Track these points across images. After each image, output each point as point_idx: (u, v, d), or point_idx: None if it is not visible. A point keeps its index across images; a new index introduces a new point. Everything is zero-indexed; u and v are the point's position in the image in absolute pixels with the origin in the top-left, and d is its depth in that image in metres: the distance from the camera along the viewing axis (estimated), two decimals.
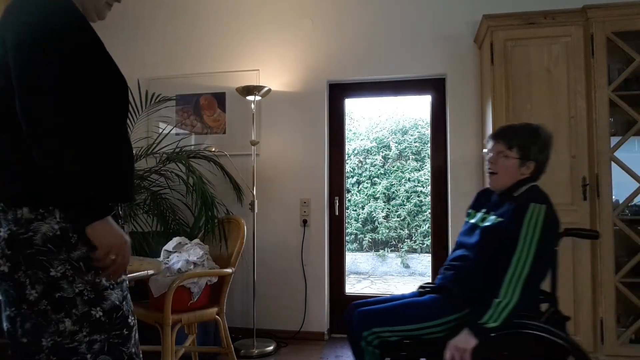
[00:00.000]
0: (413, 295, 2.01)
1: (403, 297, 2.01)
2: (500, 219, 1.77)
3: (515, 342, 1.67)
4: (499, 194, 1.88)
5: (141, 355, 1.16)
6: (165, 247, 2.66)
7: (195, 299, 2.46)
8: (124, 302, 1.11)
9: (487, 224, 1.83)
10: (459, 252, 1.94)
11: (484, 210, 1.92)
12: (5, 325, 1.01)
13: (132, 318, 1.15)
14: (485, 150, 1.96)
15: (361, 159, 6.57)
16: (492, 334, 1.59)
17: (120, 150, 1.12)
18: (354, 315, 1.84)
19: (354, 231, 6.82)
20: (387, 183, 6.69)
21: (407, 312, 1.80)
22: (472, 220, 1.95)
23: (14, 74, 0.96)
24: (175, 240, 2.70)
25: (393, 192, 6.71)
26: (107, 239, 1.02)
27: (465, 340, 1.59)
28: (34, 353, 0.98)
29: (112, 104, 1.12)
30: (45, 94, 0.96)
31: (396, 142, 6.51)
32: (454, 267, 1.90)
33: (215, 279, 2.57)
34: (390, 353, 1.75)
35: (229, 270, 2.56)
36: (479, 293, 1.72)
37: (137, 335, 1.16)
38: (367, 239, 6.85)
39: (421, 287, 2.03)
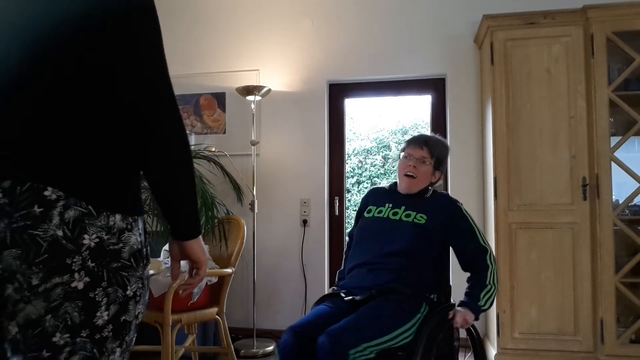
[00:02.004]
0: (338, 304, 1.85)
1: (337, 308, 1.83)
2: (424, 216, 1.94)
3: None
4: (405, 194, 2.04)
5: None
6: (165, 247, 2.66)
7: (195, 299, 2.46)
8: None
9: (417, 221, 1.94)
10: (384, 248, 1.91)
11: (390, 205, 2.02)
12: (27, 358, 0.78)
13: None
14: (403, 153, 2.10)
15: (361, 159, 6.57)
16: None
17: None
18: (321, 338, 1.60)
19: None
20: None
21: (380, 322, 1.71)
22: (380, 215, 2.01)
23: (150, 78, 0.91)
24: None
25: None
26: (204, 254, 1.02)
27: (470, 316, 1.80)
28: None
29: None
30: (176, 107, 0.94)
31: (396, 143, 6.51)
32: (388, 266, 1.86)
33: (215, 279, 2.57)
34: None
35: (229, 270, 2.56)
36: (429, 290, 1.91)
37: None
38: None
39: (344, 293, 1.89)
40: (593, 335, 2.61)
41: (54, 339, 0.78)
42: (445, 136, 3.34)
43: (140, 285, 0.88)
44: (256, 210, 3.29)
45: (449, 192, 3.26)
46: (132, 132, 0.89)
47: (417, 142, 2.07)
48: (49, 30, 0.86)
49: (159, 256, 2.66)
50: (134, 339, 0.90)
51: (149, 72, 0.91)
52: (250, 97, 3.27)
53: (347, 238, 2.28)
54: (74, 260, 0.78)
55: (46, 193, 0.78)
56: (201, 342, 2.86)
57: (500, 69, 2.78)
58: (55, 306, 0.78)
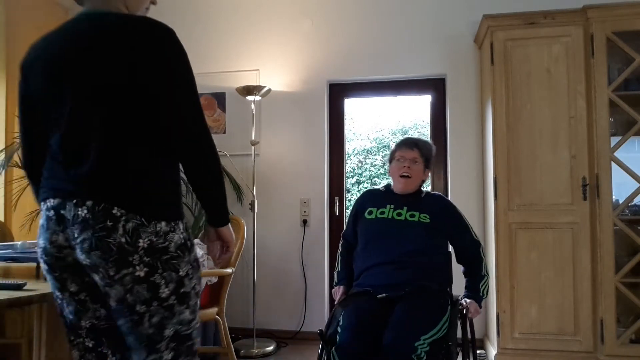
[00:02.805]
0: (368, 302, 1.87)
1: (372, 305, 1.86)
2: (427, 216, 2.05)
3: None
4: (402, 195, 2.13)
5: None
6: None
7: None
8: None
9: (423, 220, 2.04)
10: (402, 247, 1.97)
11: (391, 206, 2.10)
12: (126, 320, 1.16)
13: None
14: (394, 156, 2.20)
15: (361, 159, 6.57)
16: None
17: None
18: (387, 335, 1.69)
19: None
20: (387, 183, 6.67)
21: (427, 316, 1.77)
22: (384, 216, 2.09)
23: (183, 105, 1.16)
24: None
25: None
26: (232, 236, 1.35)
27: (477, 307, 1.97)
28: (157, 342, 1.17)
29: None
30: (205, 124, 1.20)
31: (396, 143, 6.51)
32: (413, 264, 1.95)
33: (215, 279, 2.57)
34: None
35: (228, 270, 2.56)
36: (445, 283, 2.05)
37: None
38: None
39: (375, 291, 1.90)
40: (593, 335, 2.61)
41: (137, 309, 1.14)
42: (445, 136, 3.36)
43: (190, 267, 1.20)
44: (256, 210, 3.29)
45: (449, 192, 3.27)
46: (174, 158, 1.21)
47: (408, 144, 2.20)
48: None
49: None
50: (197, 302, 1.24)
51: (173, 97, 1.16)
52: (250, 97, 3.27)
53: (342, 239, 2.28)
54: (134, 257, 1.11)
55: (114, 211, 1.11)
56: (201, 342, 2.85)
57: (500, 69, 2.78)
58: (130, 288, 1.12)
